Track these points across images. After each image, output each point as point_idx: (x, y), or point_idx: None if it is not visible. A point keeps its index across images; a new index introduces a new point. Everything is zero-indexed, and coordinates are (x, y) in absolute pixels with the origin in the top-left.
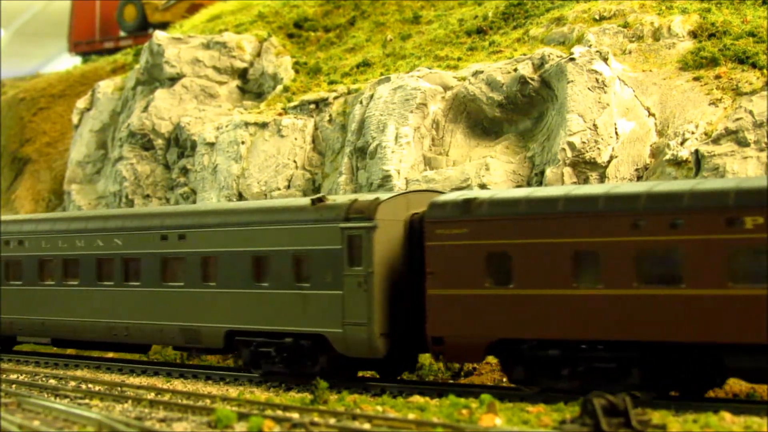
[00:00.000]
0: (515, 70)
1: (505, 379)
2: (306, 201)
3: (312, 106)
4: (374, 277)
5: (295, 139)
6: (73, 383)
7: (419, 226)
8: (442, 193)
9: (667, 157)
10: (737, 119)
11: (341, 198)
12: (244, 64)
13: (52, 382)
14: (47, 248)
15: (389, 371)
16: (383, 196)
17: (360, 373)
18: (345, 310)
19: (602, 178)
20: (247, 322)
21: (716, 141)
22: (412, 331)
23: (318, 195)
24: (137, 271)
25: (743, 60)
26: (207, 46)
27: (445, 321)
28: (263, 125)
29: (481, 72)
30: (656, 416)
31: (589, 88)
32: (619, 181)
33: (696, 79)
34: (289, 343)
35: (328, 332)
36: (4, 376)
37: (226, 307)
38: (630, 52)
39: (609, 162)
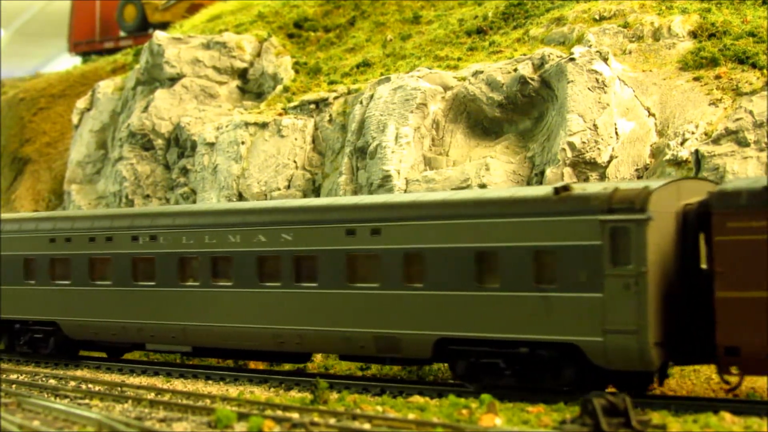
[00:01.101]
0: (515, 70)
1: None
2: (546, 190)
3: (312, 106)
4: (647, 277)
5: (295, 139)
6: (73, 383)
7: (696, 218)
8: (713, 182)
9: (667, 157)
10: (737, 119)
11: (591, 187)
12: (244, 64)
13: (52, 382)
14: (190, 245)
15: (638, 384)
16: (652, 183)
17: (610, 388)
18: (606, 315)
19: (602, 178)
20: (464, 329)
21: (716, 141)
22: (686, 338)
23: (562, 183)
24: (313, 271)
25: (743, 60)
26: (207, 46)
27: (742, 328)
28: (263, 125)
29: (481, 72)
30: (656, 416)
31: (589, 88)
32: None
33: (696, 79)
34: (524, 354)
35: (581, 341)
36: (4, 376)
37: (437, 311)
38: (630, 52)
39: (609, 162)
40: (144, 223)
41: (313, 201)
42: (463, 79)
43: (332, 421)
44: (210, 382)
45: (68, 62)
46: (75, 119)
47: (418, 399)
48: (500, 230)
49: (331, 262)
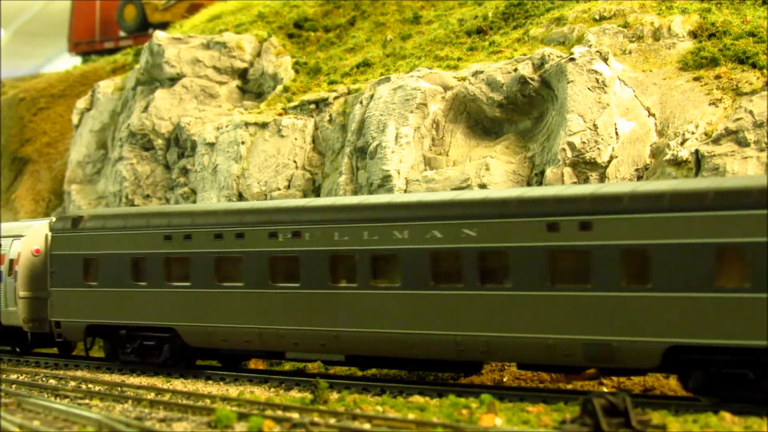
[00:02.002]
0: (515, 70)
1: (506, 378)
2: None
3: (312, 106)
4: None
5: (295, 139)
6: (73, 383)
7: None
8: None
9: (667, 157)
10: (737, 119)
11: None
12: (244, 64)
13: (52, 382)
14: (344, 241)
15: None
16: None
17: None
18: None
19: (602, 179)
20: (704, 336)
21: (716, 141)
22: None
23: None
24: (502, 270)
25: (743, 60)
26: (207, 46)
27: None
28: (263, 125)
29: (481, 72)
30: (656, 416)
31: (589, 88)
32: (620, 181)
33: (696, 79)
34: None
35: None
36: (4, 376)
37: (668, 315)
38: (630, 52)
39: (609, 162)
40: (284, 218)
41: (502, 192)
42: (463, 79)
43: (332, 421)
44: (210, 382)
45: (68, 62)
46: (75, 119)
47: (418, 399)
48: (751, 224)
49: (520, 260)
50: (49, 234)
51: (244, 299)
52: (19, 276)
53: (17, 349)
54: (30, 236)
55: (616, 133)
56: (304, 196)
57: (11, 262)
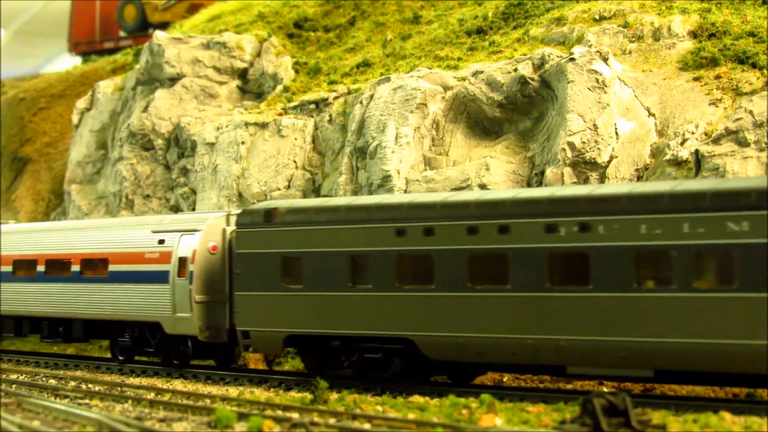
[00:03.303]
0: (515, 70)
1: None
2: None
3: (312, 106)
4: None
5: (295, 139)
6: (73, 383)
7: None
8: None
9: (667, 157)
10: (737, 119)
11: None
12: (244, 64)
13: (52, 382)
14: (655, 235)
15: None
16: None
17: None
18: None
19: (602, 178)
20: None
21: (716, 141)
22: None
23: None
24: None
25: (743, 60)
26: (207, 46)
27: None
28: (263, 125)
29: (481, 72)
30: (656, 416)
31: (589, 88)
32: (620, 181)
33: (696, 79)
34: None
35: None
36: (4, 376)
37: None
38: (630, 52)
39: (609, 162)
40: (566, 208)
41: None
42: (463, 79)
43: (332, 421)
44: (210, 382)
45: (68, 62)
46: (75, 119)
47: (418, 399)
48: None
49: None
50: (229, 229)
51: (511, 304)
52: (195, 277)
53: (175, 362)
54: (207, 231)
55: (616, 133)
56: (304, 196)
57: (181, 261)
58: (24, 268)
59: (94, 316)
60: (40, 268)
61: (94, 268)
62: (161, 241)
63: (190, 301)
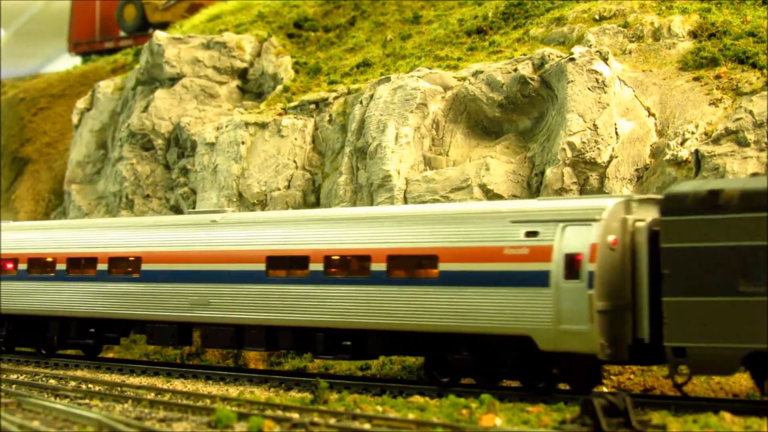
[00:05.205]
0: (515, 70)
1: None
2: None
3: (312, 106)
4: None
5: (295, 139)
6: (73, 383)
7: None
8: None
9: (667, 157)
10: (737, 119)
11: None
12: (244, 64)
13: (52, 382)
14: None
15: None
16: None
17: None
18: None
19: (602, 178)
20: None
21: (716, 141)
22: None
23: None
24: None
25: (743, 60)
26: (207, 46)
27: None
28: (263, 125)
29: (481, 72)
30: (656, 416)
31: (589, 88)
32: (619, 181)
33: (696, 79)
34: None
35: None
36: (4, 376)
37: None
38: (630, 52)
39: (609, 162)
40: None
41: None
42: (463, 79)
43: (332, 421)
44: (210, 382)
45: (68, 62)
46: (75, 119)
47: (418, 399)
48: None
49: None
50: (630, 218)
51: None
52: (596, 279)
53: (561, 386)
54: (606, 221)
55: (616, 133)
56: (304, 196)
57: (569, 258)
58: (275, 267)
59: (403, 326)
60: (315, 266)
61: (417, 268)
62: (531, 234)
63: (588, 310)
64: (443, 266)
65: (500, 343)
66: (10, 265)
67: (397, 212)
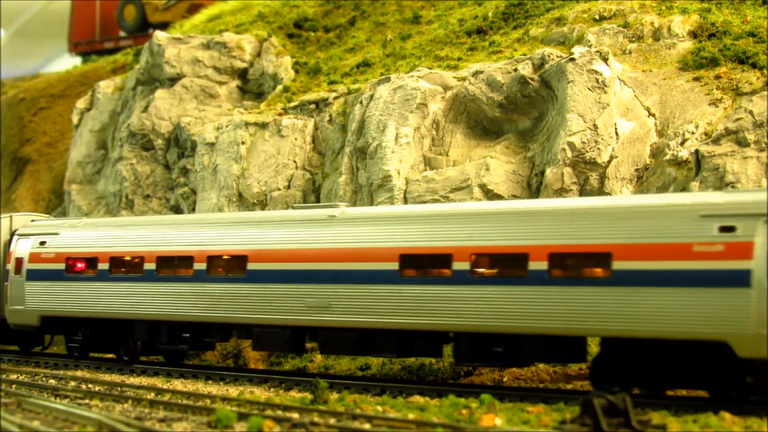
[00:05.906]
0: (515, 70)
1: (506, 378)
2: None
3: (312, 106)
4: None
5: (295, 139)
6: (73, 383)
7: None
8: None
9: (667, 157)
10: (737, 119)
11: None
12: (244, 64)
13: (52, 382)
14: None
15: None
16: None
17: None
18: None
19: (602, 178)
20: None
21: (716, 141)
22: None
23: None
24: None
25: (743, 60)
26: (207, 46)
27: None
28: (263, 125)
29: (481, 72)
30: (656, 416)
31: (589, 88)
32: (619, 182)
33: (696, 79)
34: None
35: None
36: (4, 376)
37: None
38: (630, 52)
39: (609, 162)
40: None
41: None
42: (463, 79)
43: (332, 421)
44: (210, 382)
45: (68, 62)
46: (75, 119)
47: (418, 399)
48: None
49: None
50: None
51: None
52: None
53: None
54: None
55: (616, 133)
56: (304, 196)
57: None
58: (411, 266)
59: (566, 330)
60: (460, 265)
61: (584, 266)
62: (727, 229)
63: None
64: (617, 264)
65: (685, 349)
66: (82, 265)
67: (560, 206)
